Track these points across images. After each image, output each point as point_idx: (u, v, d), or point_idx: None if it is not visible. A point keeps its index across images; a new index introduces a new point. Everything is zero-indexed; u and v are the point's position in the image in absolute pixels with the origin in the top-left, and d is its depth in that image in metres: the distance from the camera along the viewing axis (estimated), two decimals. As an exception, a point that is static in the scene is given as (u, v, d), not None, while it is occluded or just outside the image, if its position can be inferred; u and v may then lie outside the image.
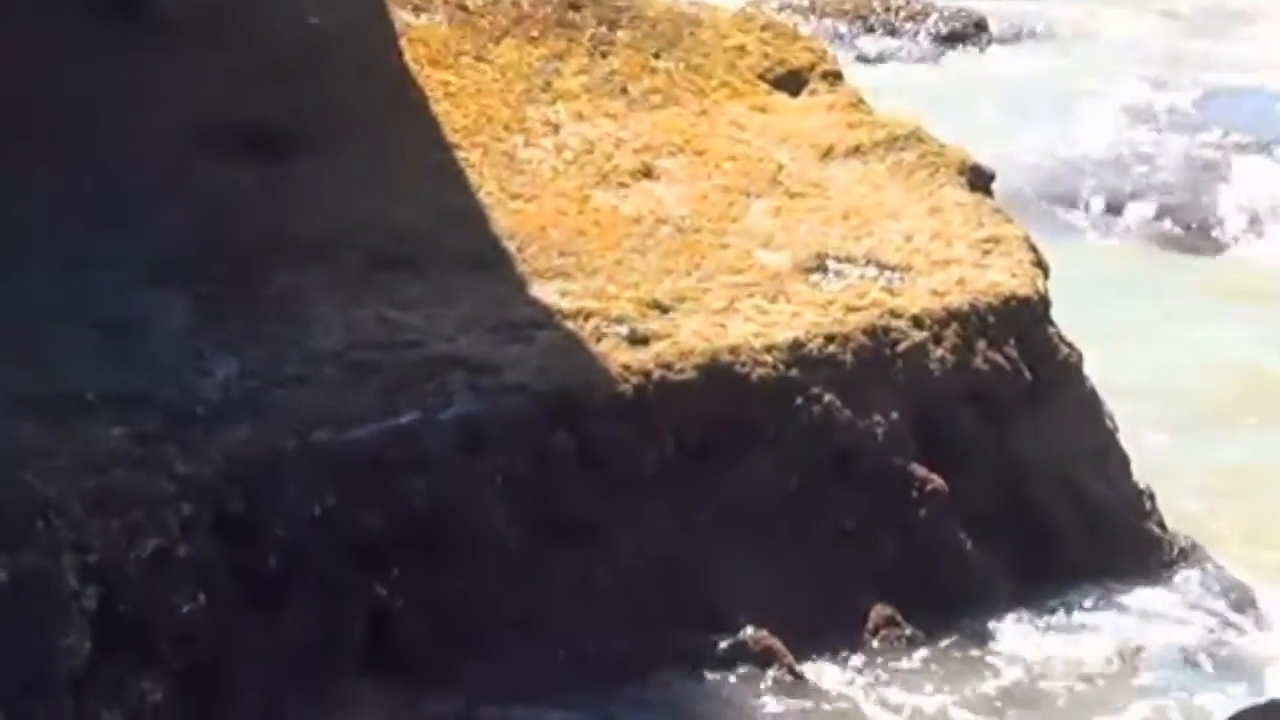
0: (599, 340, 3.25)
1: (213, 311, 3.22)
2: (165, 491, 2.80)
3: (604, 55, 4.27)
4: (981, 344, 3.52)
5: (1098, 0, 12.79)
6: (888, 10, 11.51)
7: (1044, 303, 3.66)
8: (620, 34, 4.34)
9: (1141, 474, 3.83)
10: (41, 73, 3.57)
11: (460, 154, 3.78)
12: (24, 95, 3.50)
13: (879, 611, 3.38)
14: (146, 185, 3.47)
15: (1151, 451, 4.25)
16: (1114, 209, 8.52)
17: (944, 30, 11.53)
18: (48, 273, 3.24)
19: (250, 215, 3.46)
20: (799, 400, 3.29)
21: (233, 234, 3.41)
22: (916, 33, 11.39)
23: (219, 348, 3.11)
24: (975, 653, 3.46)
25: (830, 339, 3.37)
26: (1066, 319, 3.75)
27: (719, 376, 3.25)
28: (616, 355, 3.21)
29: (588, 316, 3.30)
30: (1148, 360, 6.60)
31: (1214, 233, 8.41)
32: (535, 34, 4.28)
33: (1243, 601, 3.75)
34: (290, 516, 2.93)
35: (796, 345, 3.33)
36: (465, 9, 4.29)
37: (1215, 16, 12.47)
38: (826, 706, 3.32)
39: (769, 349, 3.30)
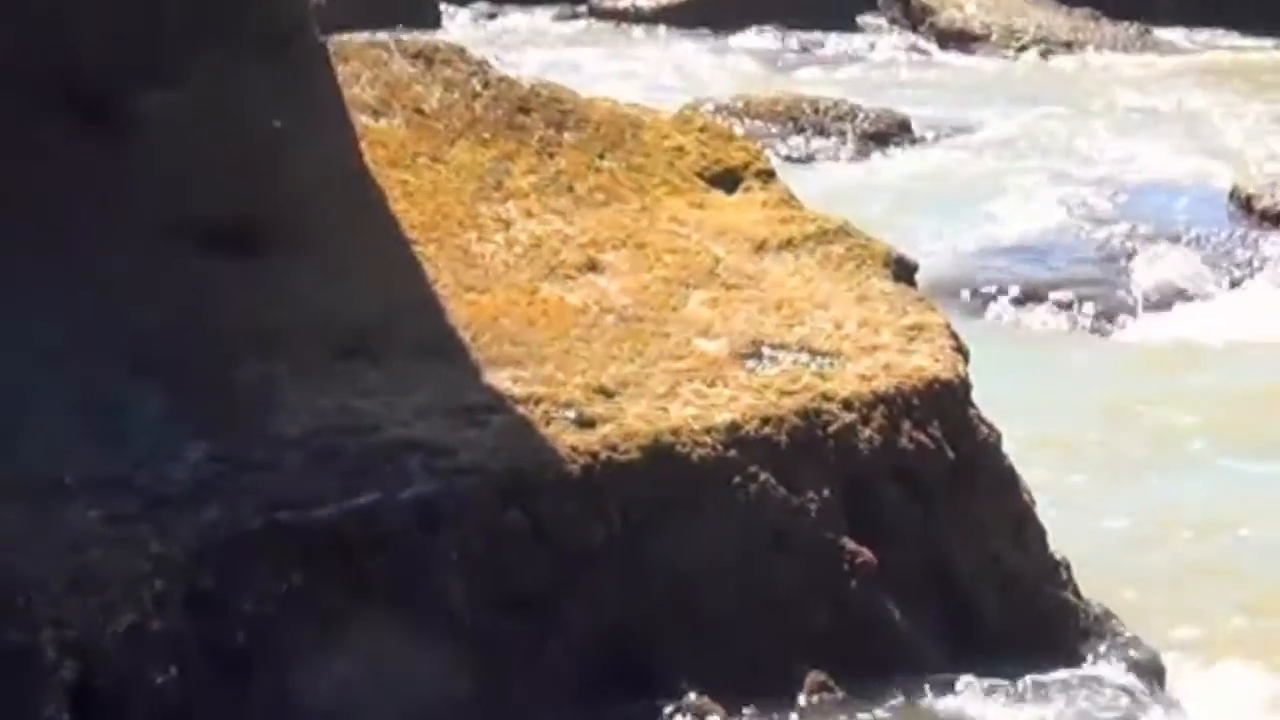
0: (549, 423, 3.25)
1: (184, 399, 3.21)
2: (140, 570, 2.80)
3: (551, 156, 4.28)
4: (907, 425, 3.53)
5: (1014, 102, 12.91)
6: (817, 112, 11.63)
7: (965, 385, 3.68)
8: (566, 136, 4.36)
9: (1056, 544, 3.84)
10: (20, 171, 3.55)
11: (417, 249, 3.78)
12: (6, 199, 3.48)
13: (813, 677, 3.37)
14: (121, 278, 3.46)
15: (1065, 521, 4.26)
16: (1030, 296, 8.58)
17: (869, 130, 11.64)
18: (27, 362, 3.23)
19: (220, 308, 3.45)
20: (737, 479, 3.29)
21: (203, 326, 3.40)
22: (844, 133, 11.50)
23: (191, 434, 3.11)
24: (903, 715, 3.46)
25: (765, 421, 3.37)
26: (986, 400, 3.77)
27: (661, 457, 3.25)
28: (565, 437, 3.22)
29: (538, 401, 3.30)
30: (1063, 435, 6.63)
31: (1124, 315, 8.47)
32: (487, 136, 4.29)
33: (1150, 671, 3.76)
34: (258, 592, 2.92)
35: (734, 427, 3.33)
36: (422, 113, 4.30)
37: (1128, 116, 12.59)
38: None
39: (708, 430, 3.31)
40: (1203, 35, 16.04)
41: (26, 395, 3.13)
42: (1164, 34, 16.03)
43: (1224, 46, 15.62)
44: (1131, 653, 3.77)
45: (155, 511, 2.89)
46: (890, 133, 11.64)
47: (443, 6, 16.40)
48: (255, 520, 2.93)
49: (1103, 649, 3.75)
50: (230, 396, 3.22)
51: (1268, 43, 15.73)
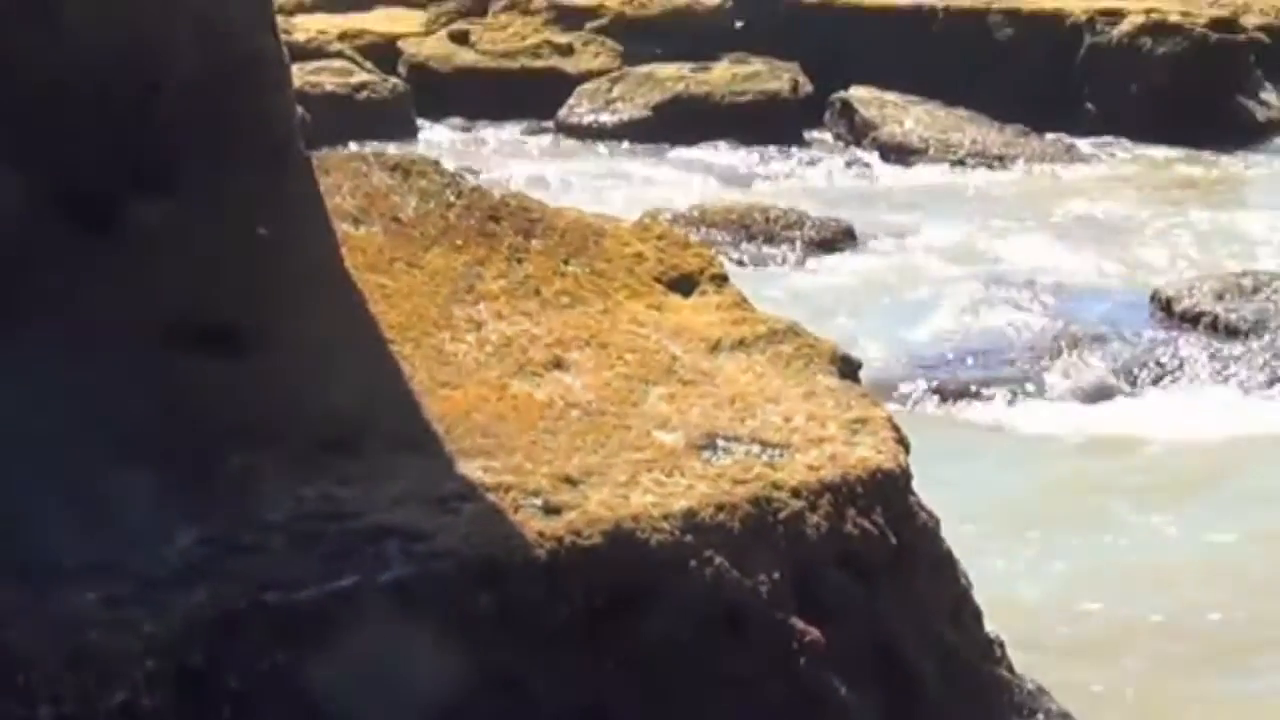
0: (517, 510, 3.25)
1: (175, 487, 3.20)
2: (133, 649, 2.78)
3: (520, 261, 4.29)
4: (852, 512, 3.53)
5: (950, 211, 12.99)
6: (767, 220, 11.72)
7: (906, 475, 3.69)
8: (534, 243, 4.37)
9: (991, 622, 3.85)
10: (16, 271, 3.54)
11: (395, 348, 3.78)
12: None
13: (766, 749, 3.37)
14: (114, 374, 3.45)
15: (999, 600, 4.28)
16: (966, 393, 8.63)
17: (816, 237, 11.72)
18: (26, 455, 3.22)
19: (209, 402, 3.45)
20: (693, 562, 3.29)
21: (193, 419, 3.40)
22: (793, 240, 11.59)
23: (181, 519, 3.10)
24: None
25: (720, 508, 3.37)
26: (925, 488, 3.78)
27: (622, 542, 3.25)
28: (533, 523, 3.21)
29: (507, 489, 3.30)
30: (998, 520, 6.65)
31: (1052, 411, 8.52)
32: (460, 243, 4.30)
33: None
34: (243, 670, 2.90)
35: (690, 514, 3.33)
36: (399, 221, 4.31)
37: (1056, 224, 12.67)
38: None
39: (666, 517, 3.31)
40: (1124, 147, 16.17)
41: (25, 483, 3.12)
42: (1088, 148, 16.17)
43: (1143, 158, 15.75)
44: (1059, 728, 3.78)
45: (148, 593, 2.88)
46: (836, 239, 11.70)
47: (419, 121, 16.46)
48: (241, 601, 2.92)
49: (1034, 720, 3.76)
50: (218, 484, 3.21)
51: (1182, 153, 15.86)
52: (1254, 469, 7.87)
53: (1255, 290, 9.94)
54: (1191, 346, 9.24)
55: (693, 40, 18.36)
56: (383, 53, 18.08)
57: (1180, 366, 9.01)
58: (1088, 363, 8.94)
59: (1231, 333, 9.43)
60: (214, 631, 2.88)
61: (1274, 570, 6.50)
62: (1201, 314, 9.66)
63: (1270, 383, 8.89)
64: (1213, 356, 9.12)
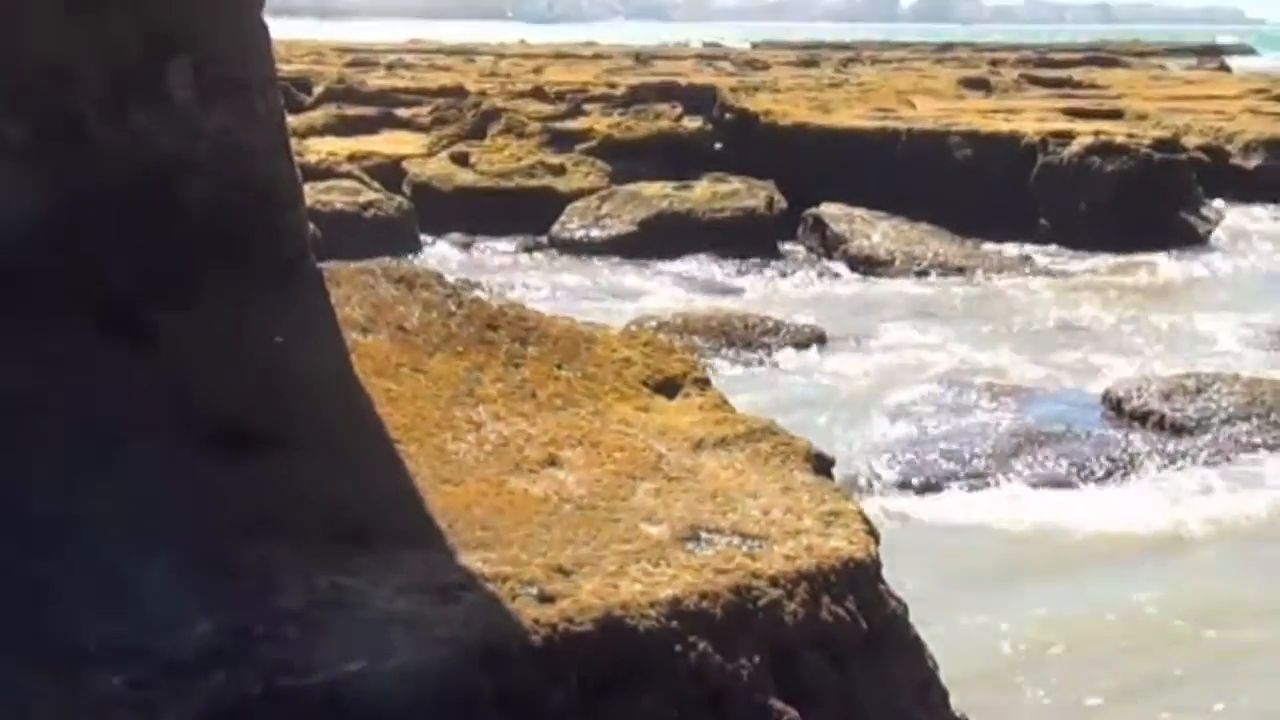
0: (514, 599, 3.23)
1: (195, 577, 3.19)
2: (155, 730, 2.77)
3: (516, 366, 4.30)
4: (826, 599, 3.52)
5: (915, 318, 13.02)
6: (746, 327, 11.76)
7: (876, 564, 3.68)
8: (530, 349, 4.38)
9: (956, 702, 3.84)
10: (43, 374, 3.55)
11: (400, 447, 3.78)
12: (31, 401, 3.48)
13: (748, 823, 3.34)
14: (136, 471, 3.45)
15: (964, 682, 4.26)
16: (929, 487, 8.61)
17: (791, 342, 11.75)
18: (56, 540, 3.21)
19: (227, 497, 3.45)
20: (679, 647, 3.28)
21: (214, 513, 3.39)
22: (769, 344, 11.62)
23: (201, 607, 3.09)
24: None
25: (704, 596, 3.36)
26: (893, 577, 3.78)
27: (613, 628, 3.24)
28: (528, 611, 3.20)
29: (505, 580, 3.29)
30: (962, 609, 6.63)
31: (1009, 505, 8.50)
32: (460, 349, 4.31)
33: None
34: (259, 749, 2.89)
35: (676, 601, 3.32)
36: (404, 329, 4.32)
37: (1014, 329, 12.70)
38: None
39: (653, 605, 3.29)
40: (1076, 258, 16.26)
41: (54, 566, 3.11)
42: (1042, 258, 16.26)
43: (1094, 268, 15.82)
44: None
45: (170, 677, 2.86)
46: (809, 344, 11.73)
47: (423, 236, 16.52)
48: (257, 686, 2.90)
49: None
50: (237, 574, 3.20)
51: (1129, 263, 15.94)
52: (1193, 550, 7.89)
53: (1199, 390, 9.98)
54: (1140, 443, 9.25)
55: (675, 160, 18.49)
56: (389, 173, 18.18)
57: (1130, 461, 9.02)
58: (1044, 459, 8.95)
59: (1177, 430, 9.45)
60: (232, 714, 2.87)
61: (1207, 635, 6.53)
62: (1149, 413, 9.69)
63: (1213, 475, 8.91)
64: (1160, 452, 9.13)
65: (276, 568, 3.27)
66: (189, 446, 3.58)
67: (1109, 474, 8.97)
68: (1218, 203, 18.86)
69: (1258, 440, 9.35)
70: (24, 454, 3.37)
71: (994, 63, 43.89)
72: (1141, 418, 9.66)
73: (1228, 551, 7.89)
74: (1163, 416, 9.59)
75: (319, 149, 18.67)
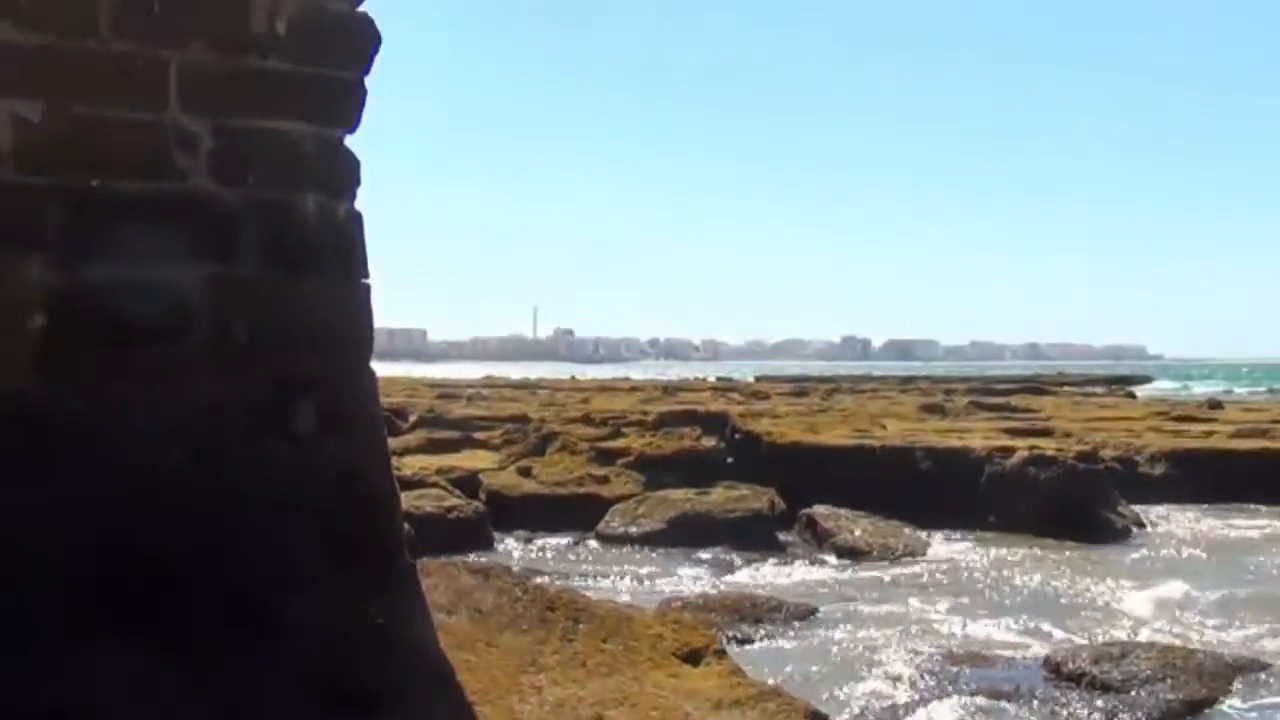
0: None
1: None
2: None
3: (570, 640, 4.28)
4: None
5: (888, 595, 12.90)
6: (754, 605, 11.70)
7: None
8: (581, 626, 4.37)
9: None
10: (199, 657, 3.49)
11: (477, 708, 3.75)
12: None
13: None
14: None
15: None
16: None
17: (790, 617, 11.63)
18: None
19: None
20: None
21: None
22: (773, 619, 11.52)
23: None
24: None
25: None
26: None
27: None
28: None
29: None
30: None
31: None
32: (525, 627, 4.30)
33: None
34: None
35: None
36: (480, 611, 4.32)
37: (968, 599, 12.56)
38: None
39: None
40: (1020, 543, 16.17)
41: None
42: (991, 546, 16.19)
43: (1033, 554, 15.70)
44: None
45: None
46: (805, 618, 11.62)
47: (495, 534, 16.53)
48: None
49: None
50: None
51: (1062, 550, 15.85)
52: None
53: (1123, 656, 9.83)
54: (1075, 702, 9.07)
55: (696, 472, 18.60)
56: (468, 483, 18.27)
57: (1067, 718, 8.83)
58: (999, 715, 8.77)
59: (1106, 689, 9.26)
60: None
61: None
62: (1083, 674, 9.51)
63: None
64: (1092, 709, 8.94)
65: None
66: (308, 706, 3.54)
67: (1055, 728, 8.78)
68: (1132, 505, 18.84)
69: (1172, 698, 9.16)
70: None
71: (948, 392, 44.23)
72: (1076, 679, 9.49)
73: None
74: (1094, 678, 9.42)
75: (413, 464, 18.82)
